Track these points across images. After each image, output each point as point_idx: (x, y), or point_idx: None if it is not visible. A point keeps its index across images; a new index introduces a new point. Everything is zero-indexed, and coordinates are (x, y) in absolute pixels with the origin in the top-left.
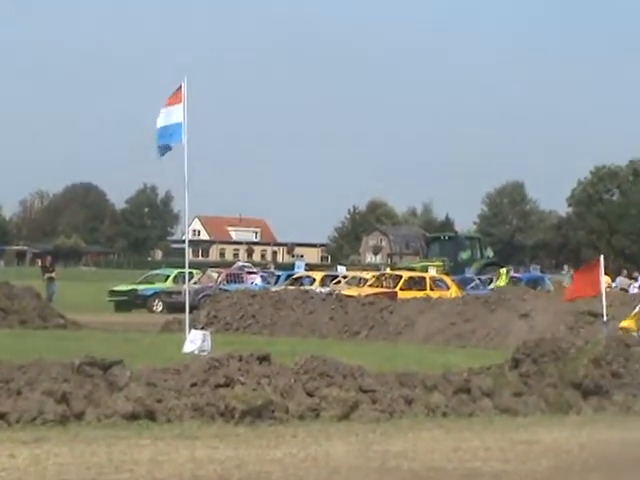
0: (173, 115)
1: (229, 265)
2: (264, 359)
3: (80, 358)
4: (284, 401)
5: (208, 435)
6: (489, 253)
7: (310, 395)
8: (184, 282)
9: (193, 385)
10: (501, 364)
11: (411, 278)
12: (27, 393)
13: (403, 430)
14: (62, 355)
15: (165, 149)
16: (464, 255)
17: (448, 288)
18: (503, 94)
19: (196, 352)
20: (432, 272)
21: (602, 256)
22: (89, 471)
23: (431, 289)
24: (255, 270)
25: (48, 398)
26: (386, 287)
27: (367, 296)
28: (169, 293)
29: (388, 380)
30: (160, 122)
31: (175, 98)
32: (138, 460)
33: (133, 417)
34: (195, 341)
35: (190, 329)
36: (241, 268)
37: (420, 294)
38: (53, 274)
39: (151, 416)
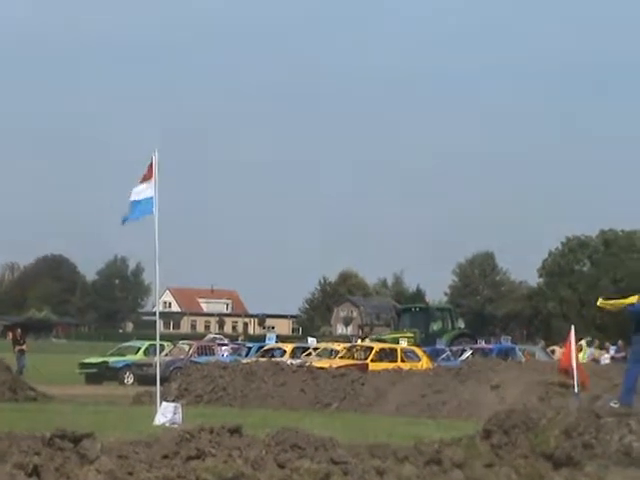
0: (145, 189)
1: (200, 337)
2: (235, 431)
3: (51, 431)
4: (255, 473)
5: None
6: (460, 324)
7: (281, 467)
8: (155, 354)
9: (164, 457)
10: (472, 435)
11: (382, 350)
12: None
13: None
14: (33, 428)
15: (131, 220)
16: (435, 326)
17: (419, 359)
18: (473, 163)
19: (167, 424)
20: (403, 343)
21: (572, 327)
22: None
23: (402, 360)
24: (226, 342)
25: (19, 471)
26: (357, 359)
27: (338, 368)
28: (140, 365)
29: (360, 451)
30: (133, 196)
31: (148, 174)
32: None
33: None
34: (166, 414)
35: (161, 402)
36: (212, 340)
37: (391, 366)
38: (24, 346)
39: None
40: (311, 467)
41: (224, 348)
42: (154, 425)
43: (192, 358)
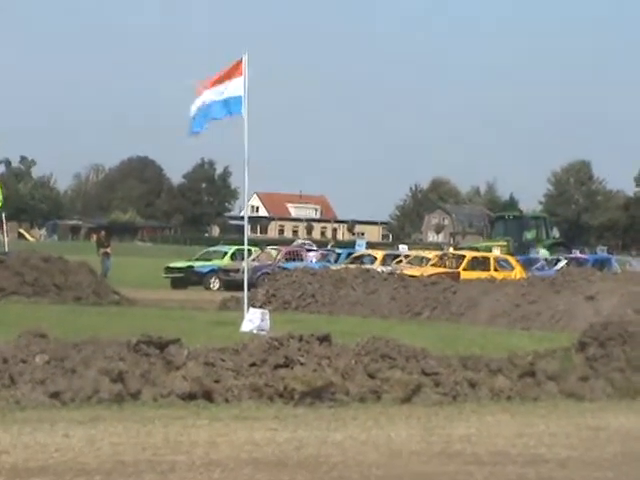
0: (232, 88)
1: (288, 243)
2: (324, 339)
3: (136, 336)
4: (345, 383)
5: (267, 416)
6: (555, 233)
7: (371, 377)
8: (242, 259)
9: (252, 365)
10: (567, 347)
11: (475, 258)
12: (82, 372)
13: (466, 414)
14: (117, 332)
15: (216, 119)
16: (529, 235)
17: (512, 269)
18: (569, 70)
19: (254, 331)
20: (496, 252)
21: None
22: (145, 452)
23: (495, 270)
24: (315, 248)
25: (103, 377)
26: (449, 267)
27: (430, 276)
28: (226, 271)
29: (452, 363)
30: (216, 95)
31: (235, 71)
32: (195, 441)
33: (190, 397)
34: (253, 320)
35: (248, 307)
36: (301, 245)
37: (484, 275)
38: (108, 249)
39: (208, 396)
40: (402, 378)
41: (312, 254)
42: (241, 332)
43: (280, 263)
